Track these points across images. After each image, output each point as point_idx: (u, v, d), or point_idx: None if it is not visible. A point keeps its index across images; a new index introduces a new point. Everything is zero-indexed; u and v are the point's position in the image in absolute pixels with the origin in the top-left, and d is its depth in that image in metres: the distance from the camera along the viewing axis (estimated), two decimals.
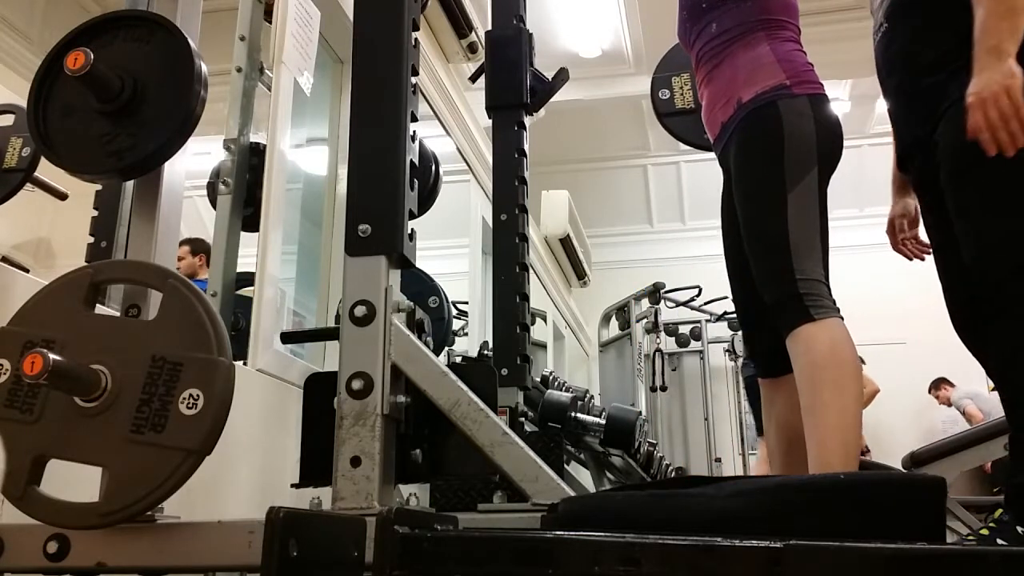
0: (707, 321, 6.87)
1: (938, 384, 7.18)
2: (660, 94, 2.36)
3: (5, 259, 2.67)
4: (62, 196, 2.34)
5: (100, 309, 1.15)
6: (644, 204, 7.67)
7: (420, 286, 2.38)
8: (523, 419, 2.11)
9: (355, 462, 1.07)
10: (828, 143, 1.75)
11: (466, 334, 4.06)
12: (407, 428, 1.14)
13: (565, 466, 2.76)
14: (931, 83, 1.56)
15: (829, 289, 1.68)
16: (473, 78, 2.36)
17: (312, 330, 2.65)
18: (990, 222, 1.49)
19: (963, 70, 1.50)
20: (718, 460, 6.61)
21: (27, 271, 1.86)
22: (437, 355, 1.45)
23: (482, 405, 1.13)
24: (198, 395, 0.96)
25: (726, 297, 5.55)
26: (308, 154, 3.17)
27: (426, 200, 2.25)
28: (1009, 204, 1.48)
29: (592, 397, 3.12)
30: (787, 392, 1.75)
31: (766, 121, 1.74)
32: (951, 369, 7.29)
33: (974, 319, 1.60)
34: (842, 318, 1.66)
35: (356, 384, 1.10)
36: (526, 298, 2.09)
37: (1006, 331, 1.47)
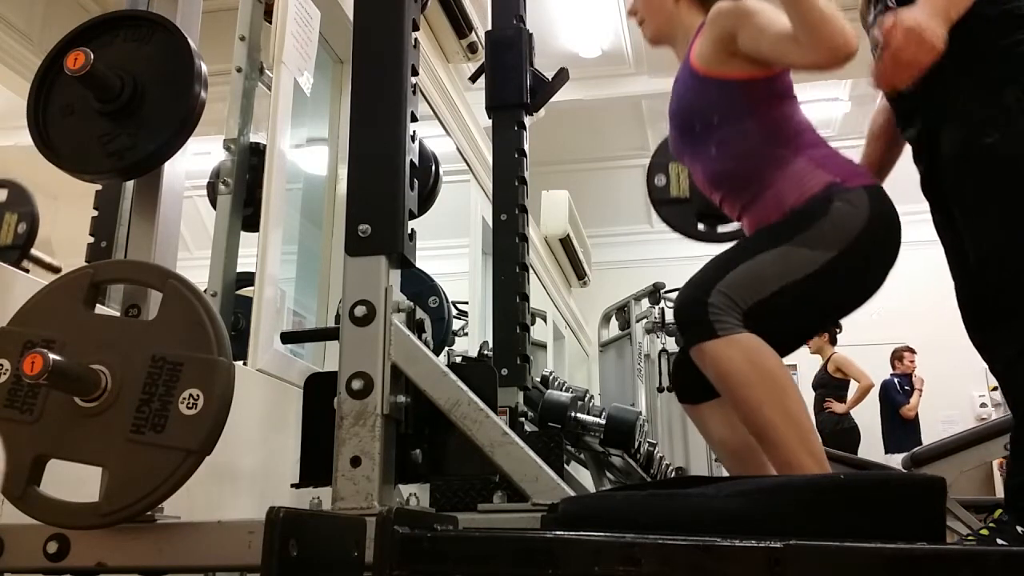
0: None
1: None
2: (656, 180, 2.27)
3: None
4: (56, 270, 2.26)
5: (100, 309, 1.15)
6: (644, 204, 7.64)
7: (420, 286, 2.38)
8: (523, 419, 2.11)
9: (355, 462, 1.07)
10: (873, 239, 1.58)
11: (466, 334, 4.06)
12: (407, 428, 1.14)
13: (565, 466, 2.75)
14: (936, 93, 1.56)
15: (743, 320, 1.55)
16: (473, 78, 2.36)
17: (312, 330, 2.65)
18: (993, 226, 1.50)
19: (965, 74, 1.52)
20: (718, 460, 6.60)
21: (27, 271, 1.85)
22: (437, 355, 1.45)
23: (482, 405, 1.13)
24: (198, 395, 0.96)
25: None
26: (308, 154, 3.17)
27: (426, 200, 2.25)
28: (1012, 209, 1.48)
29: (592, 397, 3.12)
30: (711, 413, 1.70)
31: (813, 206, 1.60)
32: (951, 369, 7.29)
33: (981, 319, 1.61)
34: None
35: (356, 384, 1.10)
36: (526, 298, 2.09)
37: (1010, 333, 1.47)
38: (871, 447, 6.60)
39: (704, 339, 1.52)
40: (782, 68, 1.68)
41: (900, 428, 6.99)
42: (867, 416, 7.08)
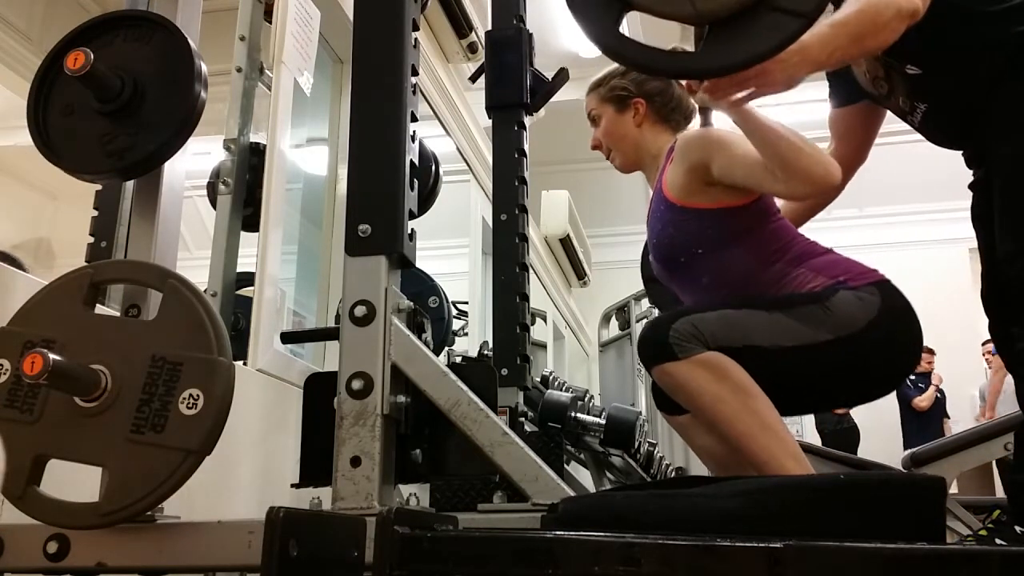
0: None
1: None
2: (651, 256, 2.25)
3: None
4: None
5: (100, 309, 1.15)
6: (644, 204, 7.61)
7: (420, 286, 2.38)
8: (523, 419, 2.11)
9: (355, 462, 1.07)
10: (882, 334, 1.52)
11: (466, 334, 4.06)
12: (407, 428, 1.14)
13: (565, 466, 2.75)
14: (1010, 98, 1.56)
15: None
16: (473, 78, 2.36)
17: (312, 330, 2.65)
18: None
19: (1010, 80, 1.53)
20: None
21: (25, 271, 1.85)
22: (437, 355, 1.45)
23: (482, 405, 1.13)
24: (198, 395, 0.96)
25: None
26: (308, 154, 3.18)
27: (426, 200, 2.25)
28: None
29: (592, 397, 3.12)
30: (692, 423, 1.69)
31: (815, 294, 1.55)
32: (951, 370, 7.31)
33: (1003, 313, 1.61)
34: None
35: (356, 384, 1.10)
36: (526, 298, 2.09)
37: None
38: (871, 447, 6.61)
39: (663, 360, 1.50)
40: (761, 194, 1.64)
41: (915, 422, 7.02)
42: (867, 416, 7.09)
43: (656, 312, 5.53)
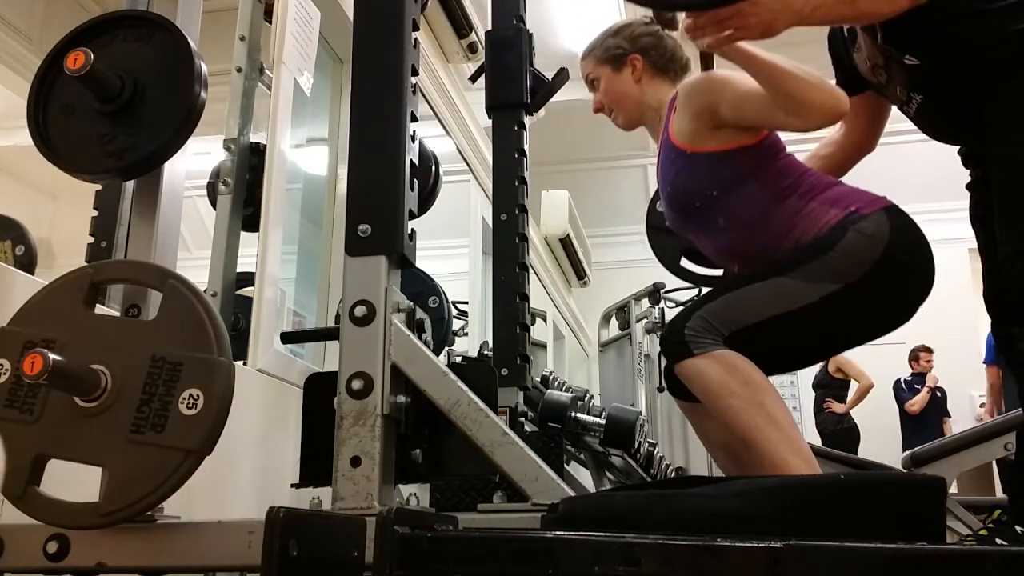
0: None
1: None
2: (658, 205, 2.18)
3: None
4: None
5: (100, 309, 1.15)
6: (644, 204, 7.62)
7: (420, 286, 2.38)
8: (523, 419, 2.11)
9: (355, 462, 1.07)
10: (892, 267, 1.54)
11: (466, 334, 4.06)
12: (407, 428, 1.14)
13: (565, 466, 2.75)
14: (1004, 95, 1.56)
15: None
16: (473, 78, 2.36)
17: (312, 330, 2.64)
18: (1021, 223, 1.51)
19: (1010, 77, 1.52)
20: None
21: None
22: (437, 355, 1.45)
23: (482, 405, 1.13)
24: (198, 395, 0.96)
25: None
26: (308, 154, 3.17)
27: (426, 200, 2.25)
28: None
29: (592, 397, 3.12)
30: (708, 412, 1.69)
31: (823, 239, 1.56)
32: (951, 370, 7.30)
33: (1004, 313, 1.62)
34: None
35: (356, 384, 1.10)
36: (526, 298, 2.09)
37: None
38: (871, 447, 6.61)
39: (682, 358, 1.55)
40: (770, 130, 1.67)
41: (912, 424, 7.02)
42: (867, 416, 7.09)
43: (657, 313, 5.53)
